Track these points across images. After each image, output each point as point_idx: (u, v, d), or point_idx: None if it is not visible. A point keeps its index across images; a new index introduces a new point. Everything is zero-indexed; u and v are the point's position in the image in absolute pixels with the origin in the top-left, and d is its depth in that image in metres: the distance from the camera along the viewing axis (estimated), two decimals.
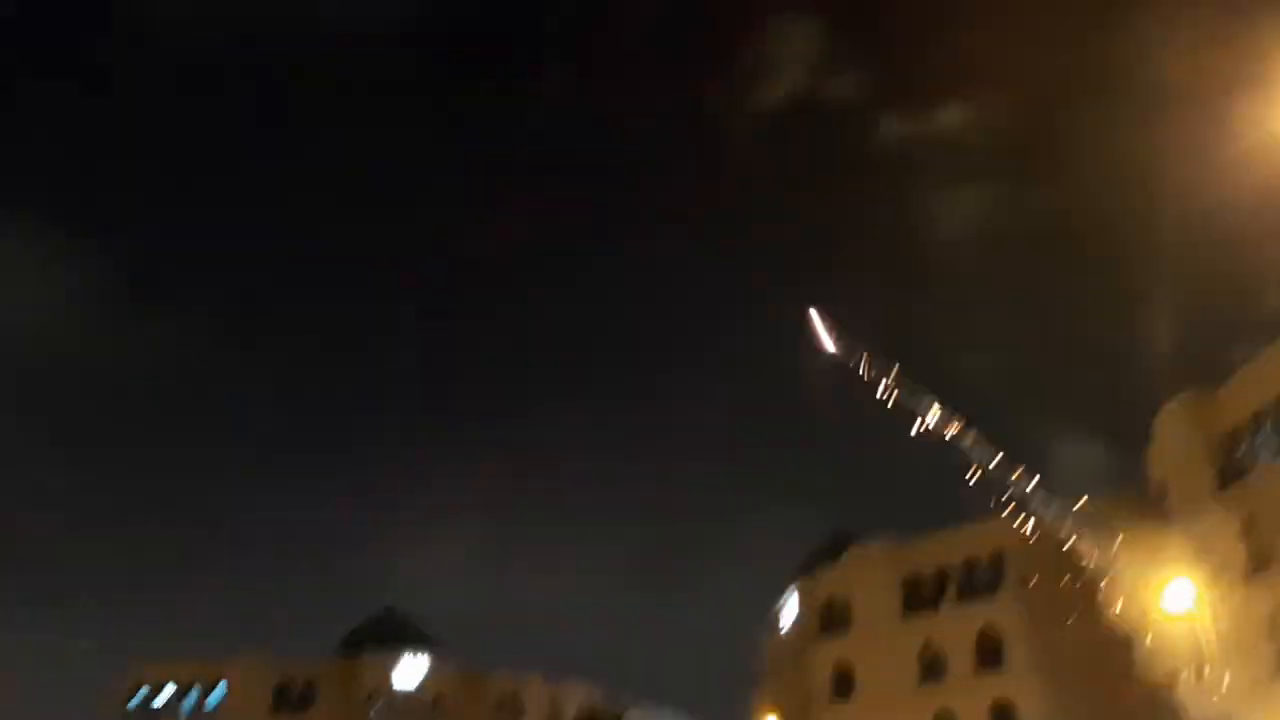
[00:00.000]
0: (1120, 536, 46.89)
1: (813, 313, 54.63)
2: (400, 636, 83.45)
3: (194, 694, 77.84)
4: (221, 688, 77.68)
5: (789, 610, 73.58)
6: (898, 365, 59.30)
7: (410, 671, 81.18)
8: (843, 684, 66.48)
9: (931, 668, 62.82)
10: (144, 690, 77.66)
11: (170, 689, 77.72)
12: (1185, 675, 45.05)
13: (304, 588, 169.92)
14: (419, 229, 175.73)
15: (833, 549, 70.71)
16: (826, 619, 68.78)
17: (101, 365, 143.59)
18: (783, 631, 74.31)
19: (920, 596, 64.86)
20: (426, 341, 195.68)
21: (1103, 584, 49.24)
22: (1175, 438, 48.07)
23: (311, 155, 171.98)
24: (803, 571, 72.45)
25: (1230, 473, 46.09)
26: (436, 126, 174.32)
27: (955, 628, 61.86)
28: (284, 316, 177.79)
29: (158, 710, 77.28)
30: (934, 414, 56.69)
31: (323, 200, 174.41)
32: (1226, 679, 38.13)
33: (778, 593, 76.11)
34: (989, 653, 60.39)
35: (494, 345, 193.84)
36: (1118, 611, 44.66)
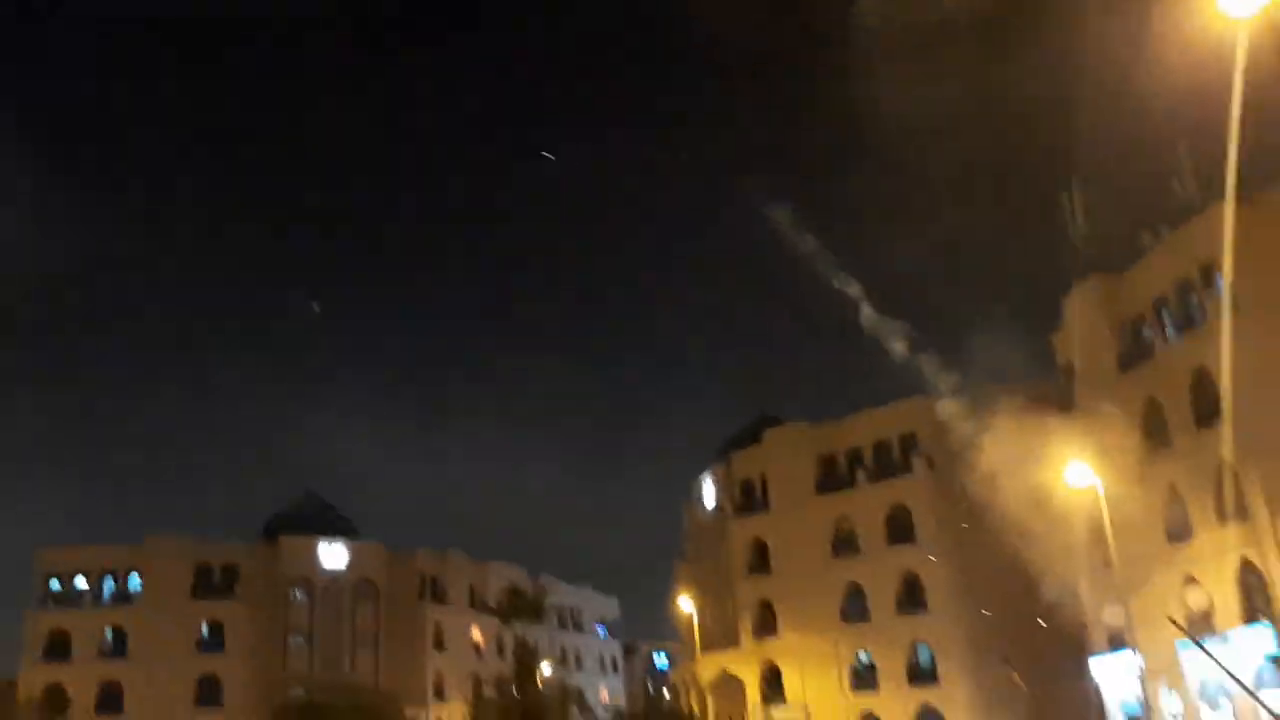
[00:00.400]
0: (1025, 419, 47.90)
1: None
2: (323, 520, 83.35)
3: (109, 581, 77.22)
4: (138, 575, 77.14)
5: (708, 491, 74.95)
6: (821, 248, 59.42)
7: (333, 554, 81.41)
8: (760, 558, 68.44)
9: (844, 542, 64.87)
10: (54, 581, 76.84)
11: (82, 579, 77.10)
12: (1083, 553, 46.82)
13: (224, 474, 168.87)
14: (369, 100, 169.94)
15: (752, 432, 71.85)
16: (745, 498, 70.34)
17: (7, 243, 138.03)
18: (703, 511, 75.76)
19: (835, 476, 66.52)
20: (354, 221, 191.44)
21: (1006, 464, 50.63)
22: (1081, 322, 48.87)
23: None
24: (723, 454, 73.63)
25: (1133, 355, 47.10)
26: None
27: (867, 505, 63.74)
28: (197, 196, 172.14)
29: (72, 599, 76.70)
30: (856, 296, 57.07)
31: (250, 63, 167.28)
32: (1118, 558, 39.48)
33: (699, 475, 77.37)
34: (899, 528, 62.45)
35: (424, 231, 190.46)
36: (1020, 491, 45.91)
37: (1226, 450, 39.52)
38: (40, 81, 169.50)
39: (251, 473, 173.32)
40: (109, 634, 75.57)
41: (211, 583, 77.54)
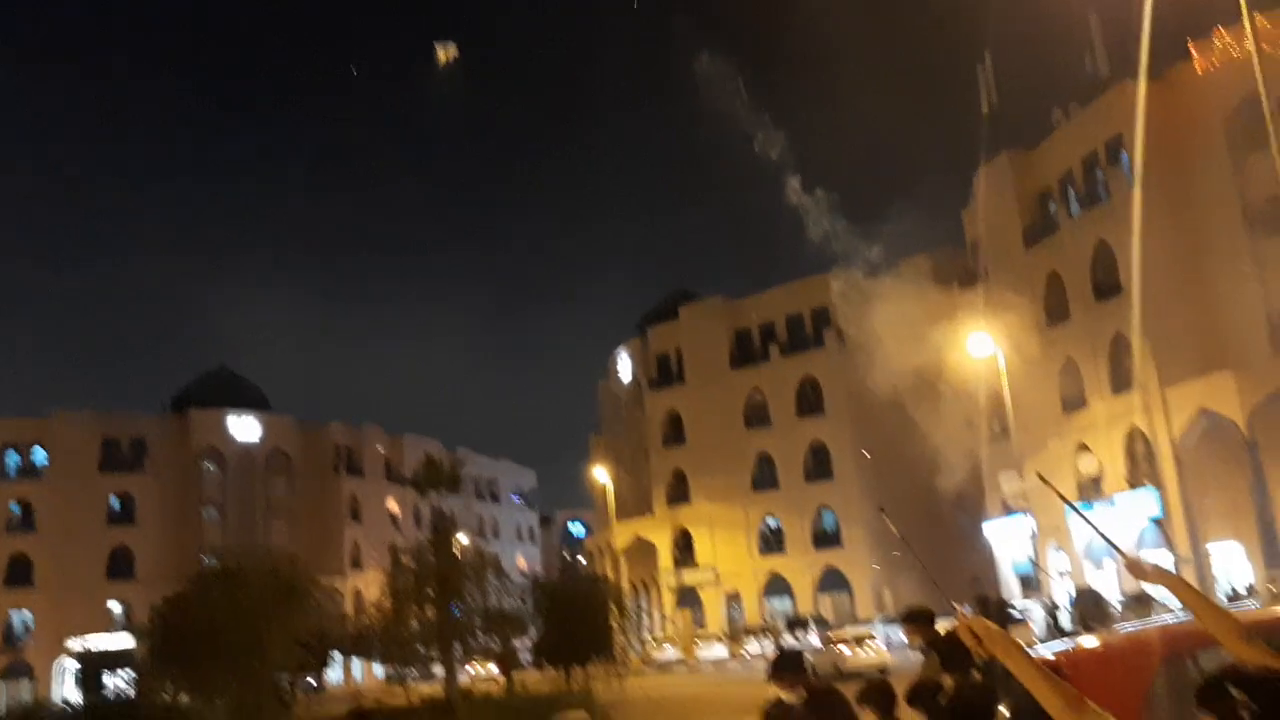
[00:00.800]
0: (931, 292, 48.90)
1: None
2: (233, 392, 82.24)
3: (13, 455, 75.59)
4: (44, 448, 75.62)
5: (625, 365, 75.60)
6: (744, 118, 58.97)
7: (244, 426, 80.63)
8: (674, 430, 69.72)
9: (756, 414, 66.32)
10: None
11: None
12: (982, 422, 48.53)
13: (131, 349, 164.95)
14: None
15: (669, 307, 72.30)
16: (661, 372, 71.18)
17: None
18: (619, 385, 76.55)
19: (749, 350, 67.55)
20: (267, 80, 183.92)
21: (911, 336, 51.80)
22: (990, 197, 49.59)
23: None
24: (640, 329, 74.11)
25: (1038, 230, 48.09)
26: None
27: (779, 378, 65.03)
28: (100, 63, 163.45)
29: None
30: (775, 172, 56.90)
31: None
32: (1016, 426, 41.03)
33: (615, 349, 77.89)
34: (808, 400, 63.96)
35: (336, 99, 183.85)
36: (924, 361, 47.10)
37: (1123, 323, 40.83)
38: None
39: (159, 347, 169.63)
40: (14, 508, 74.37)
41: (120, 456, 76.40)
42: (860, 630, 40.05)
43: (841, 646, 35.52)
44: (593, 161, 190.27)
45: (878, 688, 5.33)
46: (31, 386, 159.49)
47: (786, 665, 6.23)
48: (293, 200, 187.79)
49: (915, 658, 7.45)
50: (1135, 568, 3.81)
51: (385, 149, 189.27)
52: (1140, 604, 30.16)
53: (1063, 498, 4.15)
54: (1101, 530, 3.95)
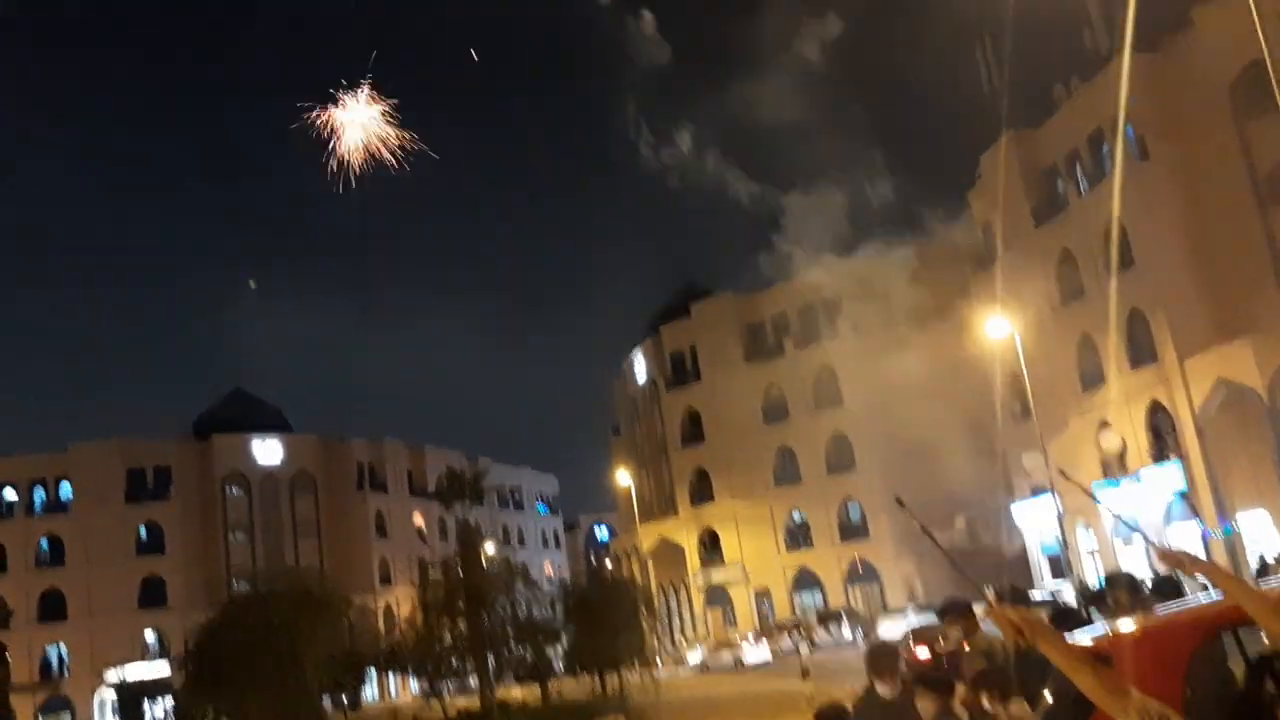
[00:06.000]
0: (945, 275, 48.81)
1: None
2: (254, 416, 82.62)
3: (40, 491, 76.17)
4: (69, 482, 76.13)
5: (640, 365, 75.66)
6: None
7: (267, 449, 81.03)
8: (694, 428, 69.76)
9: (774, 408, 66.27)
10: None
11: (11, 491, 75.97)
12: (1003, 402, 48.41)
13: (149, 376, 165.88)
14: None
15: (680, 304, 72.28)
16: (676, 370, 71.21)
17: None
18: (635, 385, 76.61)
19: (763, 344, 67.52)
20: (267, 111, 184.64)
21: (926, 319, 51.73)
22: (997, 178, 49.40)
23: None
24: (651, 328, 74.15)
25: (1047, 208, 47.88)
26: None
27: (795, 370, 64.94)
28: (114, 93, 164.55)
29: (3, 511, 75.55)
30: (788, 161, 56.86)
31: None
32: (1036, 406, 40.89)
33: (629, 350, 77.97)
34: (826, 391, 63.84)
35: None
36: (941, 344, 47.08)
37: (1119, 301, 40.64)
38: None
39: (176, 372, 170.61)
40: (44, 544, 74.94)
41: (145, 485, 76.78)
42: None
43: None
44: (597, 164, 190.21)
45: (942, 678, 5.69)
46: (53, 415, 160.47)
47: (883, 658, 6.73)
48: (305, 214, 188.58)
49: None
50: (1169, 557, 3.86)
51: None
52: (1172, 586, 30.02)
53: (1086, 491, 4.25)
54: (1130, 521, 4.02)
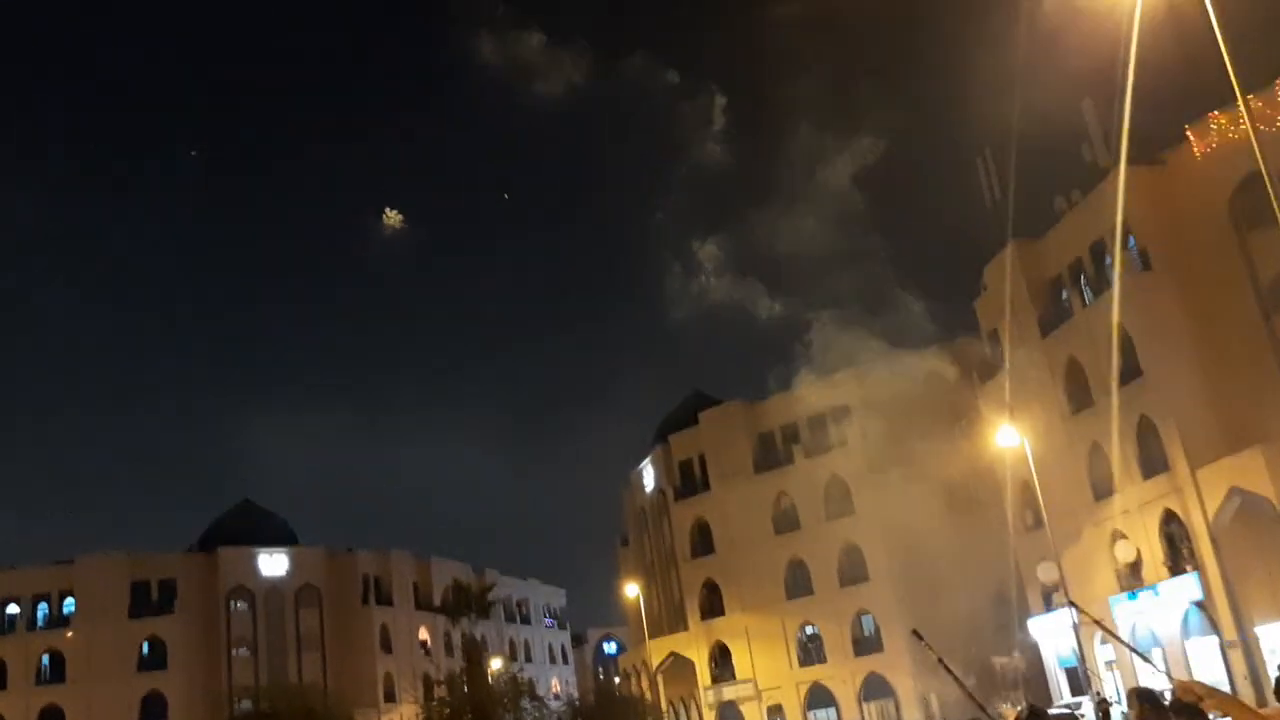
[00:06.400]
0: (953, 385, 48.87)
1: None
2: (260, 528, 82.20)
3: (43, 606, 75.45)
4: (73, 596, 75.43)
5: (648, 475, 75.34)
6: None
7: (272, 562, 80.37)
8: (703, 540, 69.03)
9: (785, 518, 65.66)
10: None
11: (14, 606, 75.28)
12: (1015, 513, 47.97)
13: (153, 489, 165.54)
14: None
15: (688, 413, 72.28)
16: (685, 480, 70.80)
17: None
18: (643, 495, 76.18)
19: (772, 452, 67.25)
20: (275, 223, 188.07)
21: (936, 429, 51.60)
22: (1003, 288, 49.85)
23: None
24: (660, 437, 74.04)
25: (1053, 318, 48.22)
26: None
27: (805, 480, 64.50)
28: (117, 194, 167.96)
29: (5, 626, 74.64)
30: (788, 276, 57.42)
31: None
32: (1048, 516, 40.53)
33: (637, 459, 77.75)
34: (837, 501, 63.34)
35: (344, 230, 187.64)
36: (950, 454, 46.89)
37: (1122, 412, 40.60)
38: None
39: (181, 485, 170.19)
40: (45, 660, 73.92)
41: (149, 599, 75.96)
42: None
43: None
44: (602, 272, 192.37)
45: None
46: (58, 533, 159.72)
47: None
48: (313, 328, 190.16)
49: None
50: (1186, 690, 3.85)
51: (393, 280, 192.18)
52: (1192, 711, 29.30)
53: (1103, 628, 4.24)
54: (1145, 655, 4.02)
